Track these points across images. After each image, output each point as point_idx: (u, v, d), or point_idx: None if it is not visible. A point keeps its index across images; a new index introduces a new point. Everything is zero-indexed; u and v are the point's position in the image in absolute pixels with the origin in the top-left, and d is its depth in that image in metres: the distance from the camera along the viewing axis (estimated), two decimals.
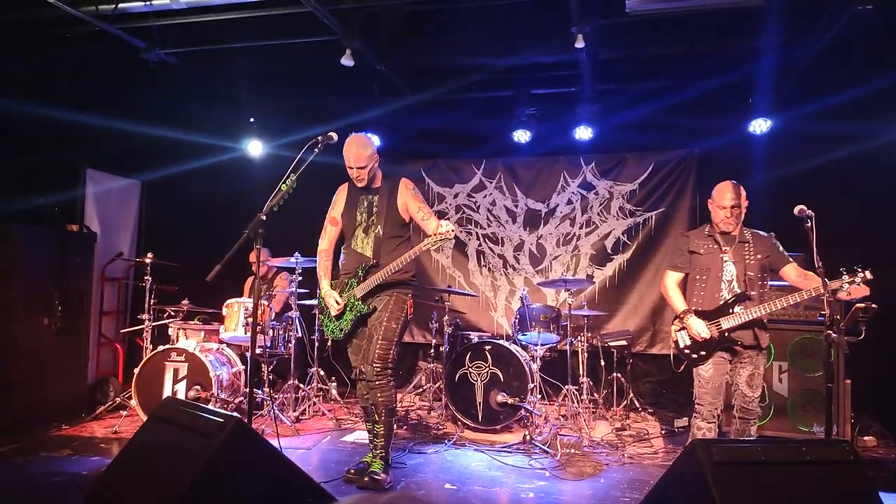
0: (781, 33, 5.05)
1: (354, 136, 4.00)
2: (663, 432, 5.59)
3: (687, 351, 3.89)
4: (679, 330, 3.93)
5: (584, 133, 6.36)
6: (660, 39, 5.44)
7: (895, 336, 5.33)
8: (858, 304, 3.31)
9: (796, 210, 3.43)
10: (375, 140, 4.20)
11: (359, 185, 4.06)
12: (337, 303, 3.97)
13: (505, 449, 4.91)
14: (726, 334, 3.76)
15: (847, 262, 3.52)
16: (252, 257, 6.27)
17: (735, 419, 3.90)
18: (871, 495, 2.18)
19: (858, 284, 3.40)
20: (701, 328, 3.78)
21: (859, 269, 3.42)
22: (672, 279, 4.05)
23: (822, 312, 3.35)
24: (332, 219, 4.22)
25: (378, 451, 3.93)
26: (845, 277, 3.42)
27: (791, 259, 3.84)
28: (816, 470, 2.13)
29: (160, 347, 5.43)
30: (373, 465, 3.88)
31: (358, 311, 3.95)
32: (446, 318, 6.04)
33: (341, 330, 4.01)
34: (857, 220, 5.86)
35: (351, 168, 3.98)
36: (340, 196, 4.24)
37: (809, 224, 3.39)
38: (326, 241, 4.22)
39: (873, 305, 3.25)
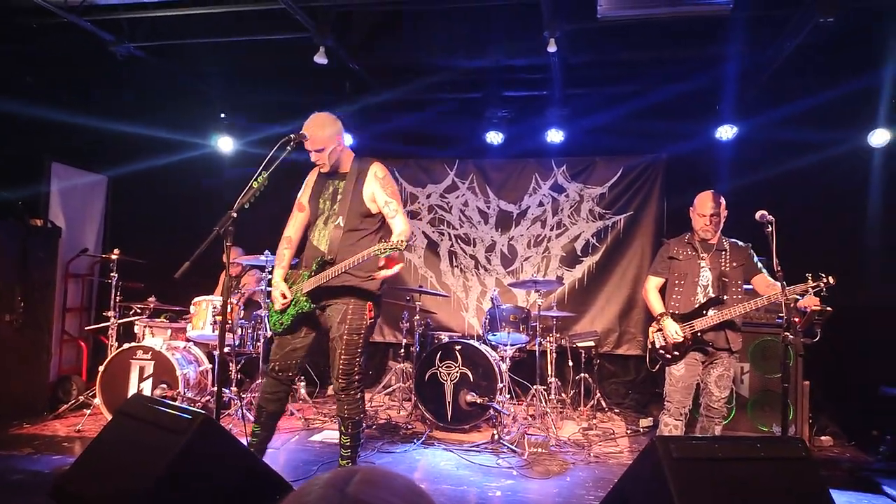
0: (747, 41, 5.18)
1: (314, 115, 3.74)
2: (628, 432, 5.69)
3: (662, 351, 4.01)
4: (656, 331, 4.06)
5: (555, 136, 6.44)
6: (630, 45, 5.53)
7: (854, 341, 5.52)
8: (814, 307, 3.42)
9: (757, 215, 3.54)
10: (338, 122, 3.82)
11: (322, 170, 3.74)
12: (283, 296, 3.65)
13: (473, 448, 4.95)
14: (699, 335, 3.87)
15: (808, 266, 3.64)
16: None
17: (701, 417, 4.04)
18: (822, 491, 2.26)
19: (822, 289, 3.51)
20: (673, 330, 3.91)
21: (823, 276, 3.53)
22: (652, 284, 4.20)
23: (781, 315, 3.45)
24: (300, 204, 3.88)
25: (345, 464, 3.82)
26: (809, 282, 3.53)
27: (762, 270, 3.98)
28: (770, 466, 2.20)
29: (125, 345, 5.36)
30: None
31: (300, 308, 3.63)
32: (417, 317, 6.06)
33: (281, 324, 3.68)
34: (819, 226, 6.03)
35: (309, 151, 3.67)
36: (310, 179, 3.91)
37: (770, 229, 3.50)
38: (292, 227, 3.87)
39: (828, 308, 3.37)
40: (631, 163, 7.01)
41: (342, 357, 3.60)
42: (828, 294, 3.52)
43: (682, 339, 3.89)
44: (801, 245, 5.82)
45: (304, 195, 3.89)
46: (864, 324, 5.63)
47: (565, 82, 6.01)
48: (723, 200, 4.02)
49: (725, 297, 3.89)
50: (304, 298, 3.63)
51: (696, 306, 3.94)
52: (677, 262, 4.09)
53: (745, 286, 4.03)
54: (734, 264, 3.99)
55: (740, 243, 4.08)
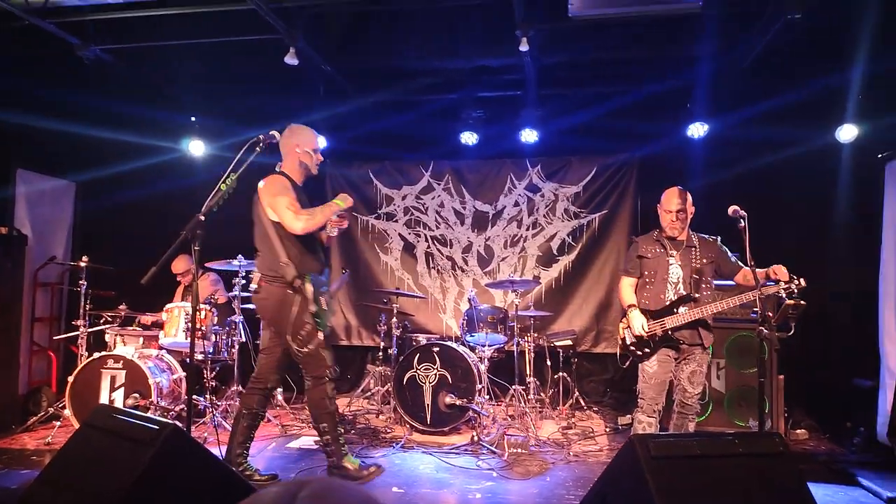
0: (717, 40, 5.22)
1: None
2: (607, 430, 5.70)
3: (632, 348, 3.99)
4: (626, 328, 4.04)
5: (529, 136, 6.43)
6: (602, 45, 5.54)
7: (826, 335, 5.60)
8: (788, 301, 3.45)
9: (730, 210, 3.56)
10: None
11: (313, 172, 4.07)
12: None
13: (453, 450, 4.92)
14: (670, 333, 3.87)
15: (779, 262, 3.66)
16: (174, 266, 6.15)
17: (674, 414, 4.03)
18: (799, 485, 2.27)
19: (794, 290, 3.52)
20: (638, 324, 3.89)
21: (795, 278, 3.54)
22: (626, 283, 4.18)
23: (755, 310, 3.47)
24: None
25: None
26: (781, 284, 3.55)
27: (741, 265, 3.97)
28: (748, 462, 2.20)
29: (96, 354, 5.23)
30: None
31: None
32: (394, 320, 6.01)
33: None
34: (789, 221, 6.10)
35: (316, 151, 4.02)
36: (289, 187, 3.90)
37: (743, 224, 3.51)
38: None
39: (802, 302, 3.39)
40: (605, 162, 7.04)
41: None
42: (798, 294, 3.55)
43: (645, 335, 3.87)
44: (772, 241, 5.88)
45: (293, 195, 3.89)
46: (835, 318, 5.72)
47: (539, 82, 6.02)
48: (689, 196, 4.01)
49: (697, 295, 3.89)
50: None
51: (667, 304, 3.94)
52: (647, 260, 4.06)
53: (716, 282, 4.05)
54: (705, 260, 3.98)
55: (709, 238, 4.09)
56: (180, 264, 6.17)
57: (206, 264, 5.57)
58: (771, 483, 2.23)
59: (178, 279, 6.34)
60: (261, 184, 3.84)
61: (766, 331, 3.27)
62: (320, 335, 3.80)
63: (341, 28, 5.72)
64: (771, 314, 3.35)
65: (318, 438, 4.08)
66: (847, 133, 5.60)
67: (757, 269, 3.56)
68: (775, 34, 4.73)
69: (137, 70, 5.95)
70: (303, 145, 3.95)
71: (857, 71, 5.20)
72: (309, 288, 3.76)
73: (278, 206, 3.73)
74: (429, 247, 7.43)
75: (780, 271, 3.57)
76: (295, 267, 3.76)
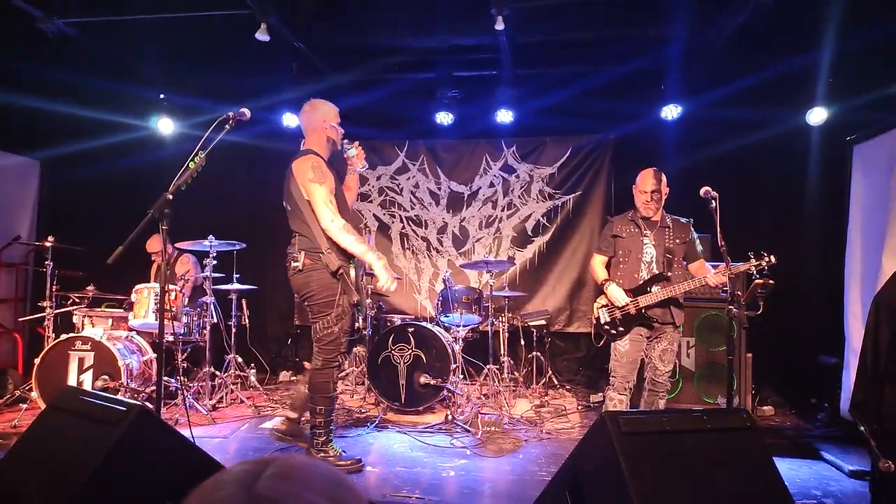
0: (690, 20, 5.23)
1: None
2: (579, 407, 5.77)
3: (607, 327, 4.04)
4: (601, 307, 4.08)
5: (505, 116, 6.41)
6: (578, 25, 5.53)
7: (795, 313, 5.70)
8: (757, 280, 3.51)
9: (702, 191, 3.60)
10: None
11: (338, 147, 4.05)
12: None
13: (427, 429, 4.94)
14: (643, 311, 3.91)
15: (750, 242, 3.73)
16: (149, 246, 6.03)
17: (645, 391, 4.10)
18: (765, 459, 2.32)
19: (764, 267, 3.59)
20: (620, 295, 3.94)
21: (764, 254, 3.61)
22: (598, 261, 4.23)
23: (725, 289, 3.52)
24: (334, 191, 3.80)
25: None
26: (752, 261, 3.62)
27: (702, 257, 4.05)
28: (717, 437, 2.24)
29: (63, 336, 5.13)
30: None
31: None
32: (369, 300, 5.98)
33: None
34: (760, 202, 6.18)
35: (340, 124, 4.01)
36: (327, 171, 3.77)
37: (714, 205, 3.56)
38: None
39: (770, 281, 3.45)
40: (580, 143, 7.05)
41: None
42: (769, 271, 3.62)
43: (629, 306, 3.92)
44: (748, 221, 5.98)
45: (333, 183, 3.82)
46: (807, 297, 5.84)
47: (515, 62, 5.99)
48: (664, 178, 4.05)
49: (670, 274, 3.94)
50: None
51: (641, 283, 3.98)
52: (621, 239, 4.11)
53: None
54: (677, 241, 4.04)
55: (682, 220, 4.13)
56: (155, 243, 6.07)
57: (176, 245, 5.47)
58: (738, 457, 2.27)
59: (152, 258, 6.25)
60: (294, 164, 3.74)
61: (735, 309, 3.33)
62: (349, 321, 3.79)
63: (314, 4, 5.62)
64: (740, 293, 3.41)
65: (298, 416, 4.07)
66: (816, 116, 5.68)
67: (711, 277, 3.66)
68: (748, 16, 4.76)
69: (104, 45, 5.77)
70: (329, 119, 3.93)
71: (827, 52, 5.25)
72: (352, 276, 3.74)
73: (316, 197, 3.64)
74: (403, 227, 7.40)
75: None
76: (336, 254, 3.69)
